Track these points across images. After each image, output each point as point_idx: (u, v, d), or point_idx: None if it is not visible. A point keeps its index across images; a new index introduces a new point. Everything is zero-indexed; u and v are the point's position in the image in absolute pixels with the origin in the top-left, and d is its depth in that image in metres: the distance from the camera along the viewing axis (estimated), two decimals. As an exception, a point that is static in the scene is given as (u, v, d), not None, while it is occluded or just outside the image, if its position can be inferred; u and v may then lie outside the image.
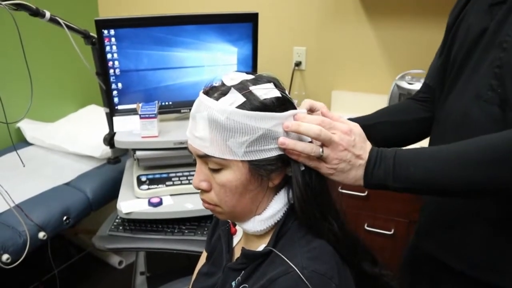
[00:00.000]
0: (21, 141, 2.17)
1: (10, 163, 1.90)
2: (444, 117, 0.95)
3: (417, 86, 1.85)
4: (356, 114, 1.92)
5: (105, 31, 1.56)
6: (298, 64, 2.24)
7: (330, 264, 0.72)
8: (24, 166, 1.55)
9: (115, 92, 1.65)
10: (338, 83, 2.21)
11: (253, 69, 1.75)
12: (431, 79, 1.08)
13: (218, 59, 1.70)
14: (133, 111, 1.65)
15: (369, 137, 0.98)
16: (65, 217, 1.69)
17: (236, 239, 0.90)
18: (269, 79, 0.76)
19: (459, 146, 0.75)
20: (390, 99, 1.92)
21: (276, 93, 0.74)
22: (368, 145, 0.77)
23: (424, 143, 1.07)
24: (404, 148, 0.77)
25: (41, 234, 1.58)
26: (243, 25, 1.68)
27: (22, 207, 1.55)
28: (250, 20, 1.68)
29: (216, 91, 0.73)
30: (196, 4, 2.35)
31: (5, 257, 1.46)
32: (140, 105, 1.60)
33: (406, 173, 0.73)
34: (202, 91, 0.75)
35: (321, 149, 0.72)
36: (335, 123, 0.75)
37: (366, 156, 0.75)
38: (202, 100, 0.72)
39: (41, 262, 1.77)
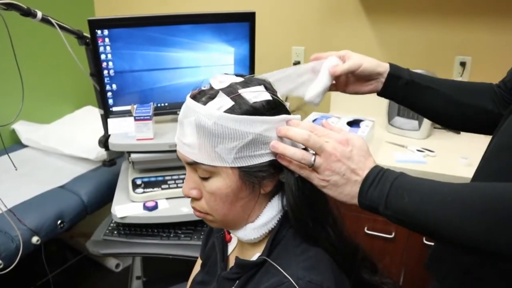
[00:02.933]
0: (16, 143, 2.14)
1: (2, 166, 1.87)
2: (497, 133, 0.82)
3: (417, 86, 1.82)
4: (355, 115, 1.90)
5: (99, 31, 1.53)
6: (296, 64, 2.21)
7: (327, 274, 0.69)
8: (16, 169, 1.52)
9: (109, 94, 1.62)
10: (337, 83, 2.18)
11: (251, 69, 1.72)
12: (510, 79, 0.92)
13: (215, 60, 1.67)
14: (128, 113, 1.63)
15: (416, 101, 0.94)
16: (59, 221, 1.66)
17: (231, 247, 0.88)
18: (259, 82, 0.73)
19: (470, 187, 0.65)
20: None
21: (267, 96, 0.71)
22: (370, 161, 0.70)
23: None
24: (414, 176, 0.69)
25: (35, 239, 1.55)
26: (240, 25, 1.65)
27: (15, 212, 1.52)
28: (247, 20, 1.65)
29: (204, 95, 0.70)
30: (192, 4, 2.32)
31: (-3, 262, 1.43)
32: (135, 106, 1.57)
33: (399, 201, 0.65)
34: (189, 95, 0.72)
35: (313, 158, 0.68)
36: (329, 132, 0.71)
37: (364, 173, 0.68)
38: (189, 105, 0.70)
39: (36, 267, 1.74)
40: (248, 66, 1.71)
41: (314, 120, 1.93)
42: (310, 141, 0.67)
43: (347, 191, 0.69)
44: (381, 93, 0.95)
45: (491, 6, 1.80)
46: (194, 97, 0.71)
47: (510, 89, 0.91)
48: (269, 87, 0.74)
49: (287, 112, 0.74)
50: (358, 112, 2.02)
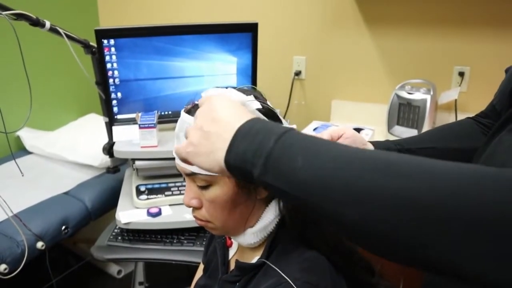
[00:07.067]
0: (20, 150, 2.17)
1: (8, 172, 1.90)
2: (479, 158, 0.72)
3: (417, 95, 1.84)
4: (356, 124, 1.93)
5: (105, 41, 1.56)
6: (298, 73, 2.24)
7: (324, 275, 0.71)
8: (23, 175, 1.54)
9: (114, 102, 1.65)
10: (338, 93, 2.21)
11: (253, 78, 1.75)
12: (499, 101, 0.83)
13: (218, 69, 1.71)
14: (133, 121, 1.65)
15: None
16: (63, 227, 1.68)
17: (232, 252, 0.90)
18: (250, 92, 0.76)
19: (401, 158, 0.45)
20: (390, 108, 1.92)
21: (257, 105, 0.73)
22: (245, 113, 0.53)
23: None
24: (310, 135, 0.50)
25: (39, 244, 1.57)
26: (243, 35, 1.68)
27: (20, 217, 1.54)
28: (249, 30, 1.68)
29: (197, 109, 0.72)
30: (196, 14, 2.36)
31: (2, 267, 1.45)
32: (140, 114, 1.60)
33: (287, 164, 0.46)
34: (183, 110, 0.75)
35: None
36: (207, 96, 0.60)
37: (235, 123, 0.51)
38: (184, 119, 0.73)
39: (39, 272, 1.76)
40: (250, 76, 1.74)
41: (315, 129, 1.95)
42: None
43: (208, 149, 0.52)
44: None
45: (490, 17, 1.83)
46: (188, 111, 0.74)
47: (499, 112, 0.84)
48: (259, 96, 0.76)
49: (280, 121, 0.76)
50: (358, 121, 2.05)
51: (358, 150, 0.47)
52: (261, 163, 0.47)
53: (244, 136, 0.49)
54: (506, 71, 0.83)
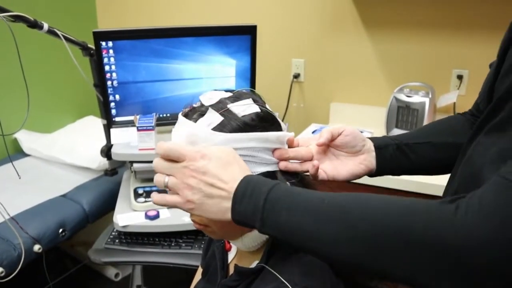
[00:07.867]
0: (17, 152, 2.16)
1: (6, 174, 1.89)
2: (460, 162, 0.73)
3: (415, 98, 1.84)
4: (354, 126, 1.92)
5: (103, 43, 1.56)
6: (296, 76, 2.24)
7: (323, 279, 0.71)
8: (20, 178, 1.54)
9: (112, 104, 1.65)
10: (337, 95, 2.21)
11: (252, 81, 1.75)
12: (482, 100, 0.84)
13: (217, 71, 1.70)
14: (131, 123, 1.65)
15: (408, 157, 0.85)
16: (61, 230, 1.67)
17: (231, 255, 0.89)
18: (248, 95, 0.75)
19: (353, 200, 0.57)
20: (388, 111, 1.92)
21: (255, 109, 0.72)
22: (235, 172, 0.62)
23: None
24: (292, 187, 0.63)
25: (36, 247, 1.56)
26: (242, 38, 1.68)
27: (17, 220, 1.54)
28: (248, 33, 1.68)
29: (195, 113, 0.71)
30: (195, 17, 2.35)
31: (-1, 270, 1.44)
32: (138, 117, 1.59)
33: (277, 219, 0.58)
34: (181, 113, 0.74)
35: (166, 178, 0.63)
36: (186, 150, 0.63)
37: (229, 185, 0.61)
38: (181, 123, 0.71)
39: (36, 275, 1.75)
40: (249, 78, 1.74)
41: (313, 132, 1.95)
42: (157, 167, 0.64)
43: (216, 208, 0.62)
44: (378, 168, 0.84)
45: (487, 21, 1.83)
46: (186, 115, 0.72)
47: (483, 111, 0.81)
48: (258, 100, 0.75)
49: (278, 124, 0.75)
50: (357, 124, 2.05)
51: (326, 197, 0.58)
52: (258, 218, 0.58)
53: (241, 199, 0.60)
54: (490, 65, 0.83)
